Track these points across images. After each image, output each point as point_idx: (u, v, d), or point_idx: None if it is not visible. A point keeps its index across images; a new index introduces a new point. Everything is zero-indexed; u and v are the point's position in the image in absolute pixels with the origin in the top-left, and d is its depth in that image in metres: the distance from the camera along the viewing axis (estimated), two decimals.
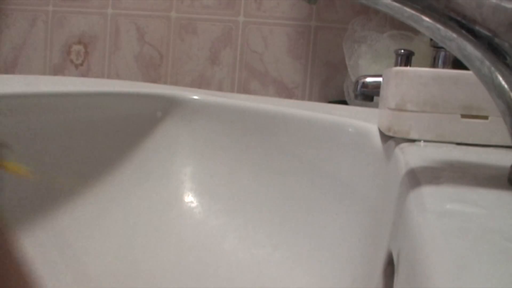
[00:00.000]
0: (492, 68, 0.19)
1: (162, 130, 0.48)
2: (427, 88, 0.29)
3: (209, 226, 0.45)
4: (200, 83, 1.07)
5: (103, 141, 0.45)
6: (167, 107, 0.48)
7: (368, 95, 0.60)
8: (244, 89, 1.05)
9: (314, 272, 0.39)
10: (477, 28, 0.19)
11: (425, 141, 0.30)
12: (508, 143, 0.24)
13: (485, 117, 0.29)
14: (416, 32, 0.77)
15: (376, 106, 0.38)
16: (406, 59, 0.60)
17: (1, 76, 0.51)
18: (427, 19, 0.19)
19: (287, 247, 0.42)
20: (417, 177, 0.21)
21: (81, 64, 1.13)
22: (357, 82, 0.60)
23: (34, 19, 1.15)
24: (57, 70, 1.14)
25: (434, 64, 0.57)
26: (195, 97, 0.48)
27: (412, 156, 0.26)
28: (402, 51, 0.60)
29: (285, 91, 1.04)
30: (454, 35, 0.19)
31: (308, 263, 0.40)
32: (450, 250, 0.14)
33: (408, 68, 0.32)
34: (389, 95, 0.31)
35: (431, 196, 0.19)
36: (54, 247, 0.41)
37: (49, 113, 0.42)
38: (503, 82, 0.19)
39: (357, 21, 0.86)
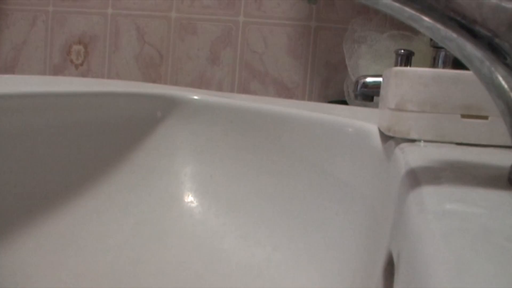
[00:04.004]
0: (492, 68, 0.19)
1: (162, 130, 0.48)
2: (427, 88, 0.29)
3: (209, 226, 0.45)
4: (200, 83, 1.08)
5: (103, 141, 0.45)
6: (167, 107, 0.48)
7: (368, 95, 0.60)
8: (244, 89, 1.05)
9: (314, 272, 0.39)
10: (477, 28, 0.19)
11: (425, 141, 0.30)
12: (508, 143, 0.24)
13: (485, 117, 0.29)
14: (416, 32, 0.77)
15: (376, 106, 0.38)
16: (406, 59, 0.60)
17: (1, 76, 0.51)
18: (427, 19, 0.19)
19: (287, 247, 0.42)
20: (417, 177, 0.21)
21: (81, 64, 1.13)
22: (357, 82, 0.60)
23: (34, 19, 1.15)
24: (57, 70, 1.14)
25: (434, 64, 0.56)
26: (195, 97, 0.48)
27: (412, 156, 0.26)
28: (402, 51, 0.60)
29: (285, 91, 1.04)
30: (454, 35, 0.19)
31: (308, 263, 0.40)
32: (450, 250, 0.14)
33: (408, 68, 0.32)
34: (389, 95, 0.31)
35: (431, 196, 0.19)
36: (54, 247, 0.41)
37: (49, 113, 0.42)
38: (503, 82, 0.19)
39: (357, 21, 0.86)
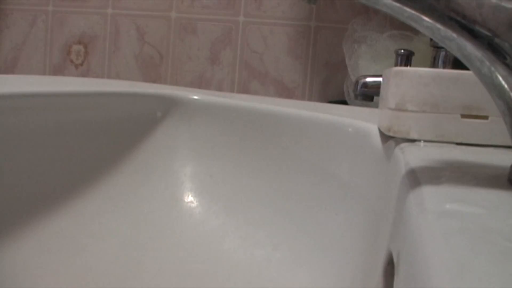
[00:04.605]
0: (492, 68, 0.19)
1: (162, 130, 0.48)
2: (427, 88, 0.29)
3: (209, 226, 0.45)
4: (200, 83, 1.08)
5: (103, 141, 0.45)
6: (167, 107, 0.48)
7: (368, 95, 0.60)
8: (244, 89, 1.05)
9: (314, 272, 0.39)
10: (477, 28, 0.19)
11: (425, 141, 0.30)
12: (508, 143, 0.24)
13: (485, 117, 0.29)
14: (416, 32, 0.77)
15: (376, 106, 0.38)
16: (406, 59, 0.60)
17: (1, 76, 0.51)
18: (427, 19, 0.19)
19: (287, 247, 0.42)
20: (417, 177, 0.21)
21: (81, 64, 1.13)
22: (357, 82, 0.60)
23: (34, 19, 1.15)
24: (57, 70, 1.14)
25: (434, 64, 0.57)
26: (195, 97, 0.48)
27: (412, 156, 0.26)
28: (402, 51, 0.60)
29: (285, 91, 1.04)
30: (454, 35, 0.19)
31: (308, 263, 0.40)
32: (450, 250, 0.14)
33: (408, 68, 0.32)
34: (389, 95, 0.31)
35: (431, 196, 0.19)
36: (54, 247, 0.41)
37: (49, 113, 0.42)
38: (503, 82, 0.19)
39: (357, 21, 0.86)
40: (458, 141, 0.30)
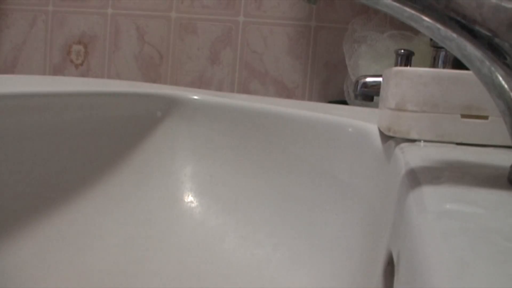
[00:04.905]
0: (492, 68, 0.19)
1: (162, 130, 0.48)
2: (427, 88, 0.29)
3: (209, 226, 0.45)
4: (200, 83, 1.08)
5: (103, 141, 0.45)
6: (167, 107, 0.48)
7: (368, 95, 0.60)
8: (244, 89, 1.05)
9: (314, 272, 0.39)
10: (477, 28, 0.19)
11: (425, 141, 0.30)
12: (508, 143, 0.24)
13: (485, 117, 0.29)
14: (416, 32, 0.77)
15: (376, 106, 0.38)
16: (406, 59, 0.60)
17: (1, 76, 0.51)
18: (427, 19, 0.19)
19: (287, 247, 0.42)
20: (417, 177, 0.21)
21: (81, 64, 1.13)
22: (357, 82, 0.60)
23: (34, 19, 1.15)
24: (57, 70, 1.14)
25: (434, 64, 0.57)
26: (195, 97, 0.48)
27: (412, 156, 0.26)
28: (402, 51, 0.60)
29: (285, 91, 1.04)
30: (454, 35, 0.19)
31: (308, 263, 0.40)
32: (450, 250, 0.14)
33: (408, 68, 0.32)
34: (389, 95, 0.31)
35: (431, 196, 0.19)
36: (54, 247, 0.41)
37: (49, 113, 0.42)
38: (503, 82, 0.19)
39: (357, 21, 0.86)
40: (458, 141, 0.30)
